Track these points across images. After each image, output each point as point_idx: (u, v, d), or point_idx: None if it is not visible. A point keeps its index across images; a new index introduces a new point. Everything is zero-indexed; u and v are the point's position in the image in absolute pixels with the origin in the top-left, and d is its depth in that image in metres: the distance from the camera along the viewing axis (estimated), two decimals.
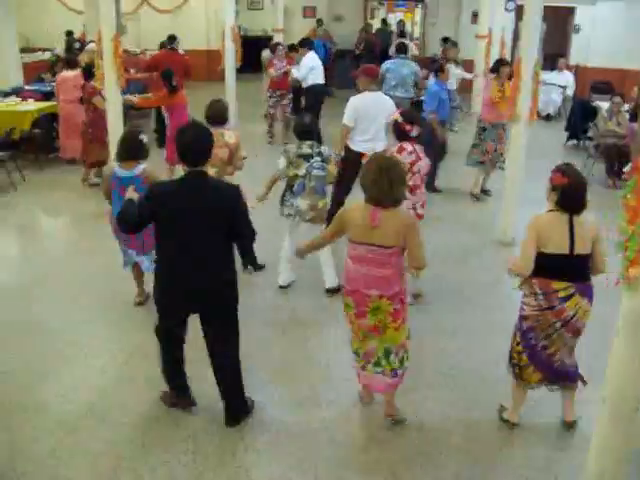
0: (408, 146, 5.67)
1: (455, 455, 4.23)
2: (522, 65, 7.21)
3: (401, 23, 18.12)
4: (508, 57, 14.70)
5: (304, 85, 11.60)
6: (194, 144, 3.95)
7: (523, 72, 7.20)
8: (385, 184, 3.94)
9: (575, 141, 13.00)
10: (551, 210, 4.10)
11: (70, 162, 10.44)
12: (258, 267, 6.33)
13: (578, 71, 16.74)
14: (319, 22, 18.35)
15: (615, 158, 10.31)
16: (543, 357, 4.19)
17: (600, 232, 4.06)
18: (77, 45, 16.96)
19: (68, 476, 3.99)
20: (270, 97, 12.14)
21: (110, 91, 7.66)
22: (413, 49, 16.35)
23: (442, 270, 6.81)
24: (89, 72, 9.08)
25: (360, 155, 6.65)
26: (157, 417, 4.53)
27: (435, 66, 10.27)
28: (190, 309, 4.24)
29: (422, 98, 10.84)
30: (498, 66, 9.07)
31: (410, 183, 5.48)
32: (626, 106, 11.09)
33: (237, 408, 4.46)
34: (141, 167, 5.47)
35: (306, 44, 11.84)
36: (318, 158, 6.01)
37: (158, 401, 4.65)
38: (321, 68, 11.65)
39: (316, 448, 4.27)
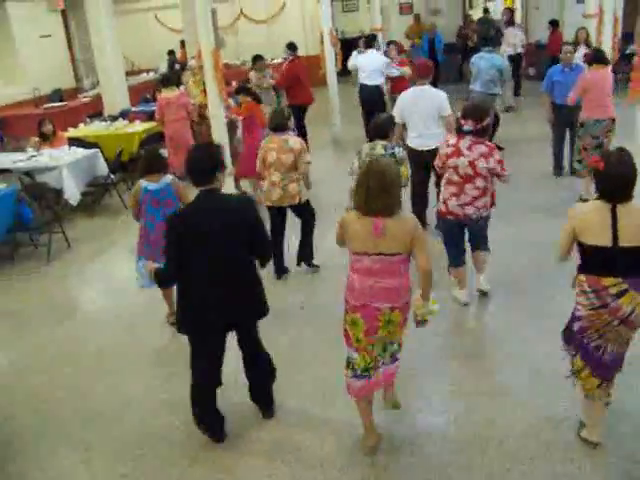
0: (453, 139, 5.56)
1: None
2: None
3: (509, 11, 17.10)
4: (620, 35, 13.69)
5: None
6: (195, 164, 4.04)
7: None
8: (364, 191, 3.73)
9: None
10: (597, 198, 3.75)
11: (179, 179, 10.48)
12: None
13: None
14: (416, 17, 17.90)
15: None
16: (595, 356, 3.84)
17: None
18: (177, 66, 17.31)
19: None
20: None
21: (213, 104, 7.61)
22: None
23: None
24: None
25: (417, 151, 6.87)
26: (280, 445, 4.32)
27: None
28: (225, 326, 4.24)
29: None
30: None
31: (446, 176, 5.58)
32: None
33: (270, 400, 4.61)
34: (169, 177, 5.75)
35: (366, 41, 11.57)
36: (392, 159, 5.75)
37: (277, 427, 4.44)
38: (370, 68, 11.06)
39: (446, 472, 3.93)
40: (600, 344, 3.80)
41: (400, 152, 6.09)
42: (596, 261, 3.69)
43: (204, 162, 4.03)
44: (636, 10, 14.39)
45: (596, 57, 8.23)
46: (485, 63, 9.93)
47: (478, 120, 5.36)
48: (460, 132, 5.48)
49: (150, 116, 11.68)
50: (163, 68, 17.46)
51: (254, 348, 4.45)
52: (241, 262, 4.10)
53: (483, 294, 5.96)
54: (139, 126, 11.11)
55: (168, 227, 4.02)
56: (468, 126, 5.37)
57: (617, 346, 3.83)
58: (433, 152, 6.64)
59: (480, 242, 5.84)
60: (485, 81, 9.88)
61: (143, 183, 5.68)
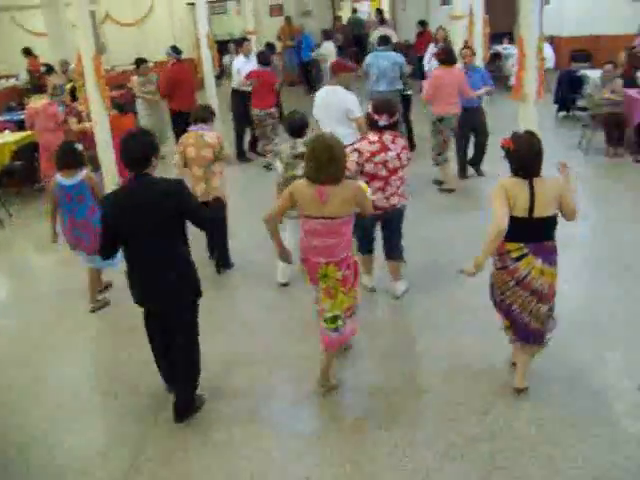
0: (373, 136, 5.56)
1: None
2: (524, 41, 6.93)
3: (380, 11, 17.53)
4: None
5: None
6: (130, 153, 4.17)
7: (526, 48, 6.92)
8: (314, 164, 4.19)
9: (565, 112, 12.79)
10: (512, 176, 4.22)
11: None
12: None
13: (554, 42, 16.48)
14: (287, 19, 18.00)
15: (614, 127, 10.08)
16: (503, 307, 4.41)
17: (564, 185, 4.16)
18: (43, 69, 16.44)
19: None
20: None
21: (95, 112, 7.25)
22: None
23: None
24: (73, 94, 8.81)
25: None
26: (222, 456, 4.18)
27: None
28: (154, 306, 4.46)
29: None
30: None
31: (371, 172, 5.52)
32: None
33: (185, 403, 4.55)
34: (82, 173, 5.83)
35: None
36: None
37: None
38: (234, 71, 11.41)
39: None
40: (504, 300, 4.35)
41: None
42: (510, 230, 4.11)
43: (139, 151, 4.16)
44: (496, 12, 15.13)
45: (449, 57, 8.73)
46: (386, 62, 9.89)
47: (391, 114, 5.49)
48: (375, 127, 5.53)
49: (20, 126, 11.02)
50: (23, 74, 16.55)
51: (177, 337, 4.46)
52: (168, 244, 4.23)
53: (395, 298, 6.08)
54: (9, 136, 10.42)
55: (102, 206, 4.33)
56: (383, 121, 5.47)
57: (526, 313, 4.30)
58: None
59: (394, 250, 5.95)
60: (390, 79, 9.89)
61: (58, 178, 5.83)
